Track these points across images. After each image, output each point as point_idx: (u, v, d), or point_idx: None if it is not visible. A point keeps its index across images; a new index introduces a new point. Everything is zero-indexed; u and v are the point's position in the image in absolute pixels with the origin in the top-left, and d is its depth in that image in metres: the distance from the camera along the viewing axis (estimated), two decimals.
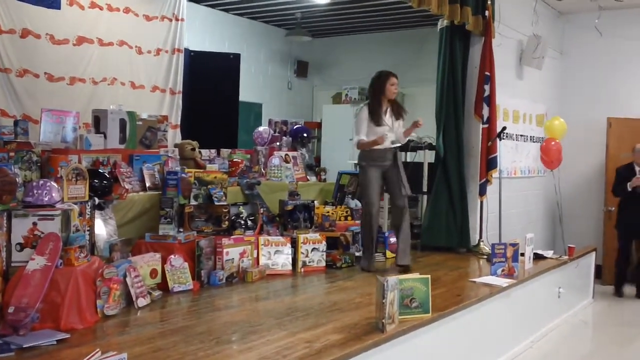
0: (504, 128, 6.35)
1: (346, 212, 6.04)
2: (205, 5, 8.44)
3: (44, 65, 5.95)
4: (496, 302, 4.57)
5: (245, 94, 8.59)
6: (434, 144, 6.56)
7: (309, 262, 5.15)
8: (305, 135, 7.03)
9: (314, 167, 6.99)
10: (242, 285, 4.58)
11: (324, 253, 5.22)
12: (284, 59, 10.05)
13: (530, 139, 7.96)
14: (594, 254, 6.92)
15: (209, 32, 8.57)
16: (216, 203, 4.98)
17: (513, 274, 4.93)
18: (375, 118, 5.14)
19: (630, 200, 6.99)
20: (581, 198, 8.45)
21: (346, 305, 4.01)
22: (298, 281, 4.86)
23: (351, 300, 4.16)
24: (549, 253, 6.14)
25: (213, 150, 6.20)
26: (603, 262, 7.64)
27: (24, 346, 2.97)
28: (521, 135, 7.69)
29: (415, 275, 3.80)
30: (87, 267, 3.57)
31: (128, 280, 3.80)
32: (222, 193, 5.07)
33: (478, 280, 4.88)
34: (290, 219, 5.50)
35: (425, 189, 6.61)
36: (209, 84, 7.86)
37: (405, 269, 4.97)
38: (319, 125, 10.04)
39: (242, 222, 5.11)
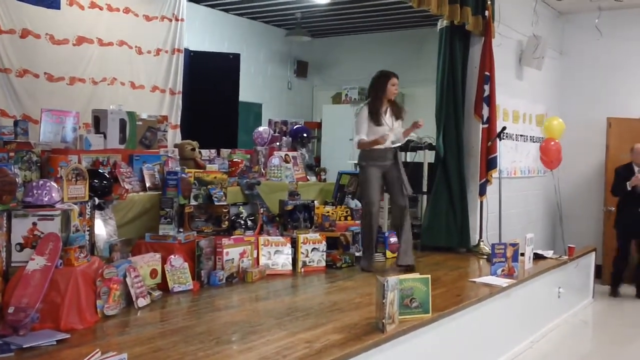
0: (504, 128, 6.35)
1: (346, 212, 6.04)
2: (205, 6, 8.44)
3: (44, 66, 5.96)
4: (496, 302, 4.57)
5: (245, 94, 8.59)
6: (434, 144, 6.56)
7: (309, 262, 5.15)
8: (305, 135, 7.02)
9: (314, 167, 6.99)
10: (242, 286, 4.57)
11: (324, 253, 5.22)
12: (283, 59, 10.05)
13: (530, 139, 7.96)
14: (593, 254, 6.92)
15: (208, 32, 8.58)
16: (216, 203, 4.98)
17: (513, 274, 4.93)
18: (376, 118, 5.14)
19: (630, 200, 6.98)
20: (581, 198, 8.45)
21: (346, 305, 4.01)
22: (298, 281, 4.86)
23: (351, 300, 4.16)
24: (548, 253, 6.14)
25: (213, 151, 6.20)
26: (603, 262, 7.64)
27: (24, 346, 2.97)
28: (521, 135, 7.69)
29: (415, 275, 3.80)
30: (87, 267, 3.57)
31: (128, 280, 3.80)
32: (222, 193, 5.06)
33: (478, 280, 4.87)
34: (290, 219, 5.50)
35: (425, 189, 6.62)
36: (209, 84, 7.86)
37: (409, 269, 4.98)
38: (318, 125, 10.04)
39: (242, 222, 5.11)
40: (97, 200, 4.14)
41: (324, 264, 5.20)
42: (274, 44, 9.79)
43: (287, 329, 3.43)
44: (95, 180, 4.20)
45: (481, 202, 6.42)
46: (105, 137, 5.01)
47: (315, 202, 5.88)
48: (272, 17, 9.29)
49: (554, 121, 7.48)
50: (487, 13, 6.37)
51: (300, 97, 10.46)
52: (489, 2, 6.37)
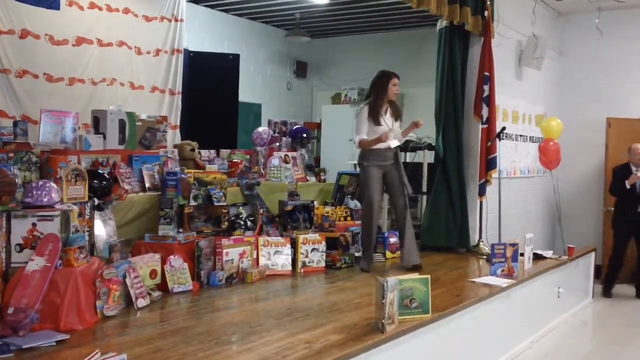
0: (504, 128, 6.35)
1: (346, 212, 6.04)
2: (205, 6, 8.44)
3: (44, 66, 5.95)
4: (496, 302, 4.57)
5: (245, 95, 8.59)
6: (433, 144, 6.56)
7: (309, 262, 5.15)
8: (304, 135, 7.02)
9: (314, 167, 6.99)
10: (241, 286, 4.57)
11: (324, 253, 5.22)
12: (283, 59, 10.05)
13: (530, 139, 7.96)
14: (593, 254, 6.92)
15: (208, 33, 8.58)
16: (216, 203, 4.97)
17: (513, 274, 4.93)
18: (376, 118, 5.14)
19: (629, 200, 6.98)
20: (581, 198, 8.45)
21: (346, 306, 4.01)
22: (298, 282, 4.86)
23: (351, 300, 4.16)
24: (548, 253, 6.14)
25: (212, 151, 6.19)
26: (603, 262, 7.63)
27: (24, 347, 2.97)
28: (520, 136, 7.69)
29: (415, 275, 3.80)
30: (86, 267, 3.57)
31: (128, 280, 3.80)
32: (221, 193, 5.06)
33: (478, 280, 4.87)
34: (290, 219, 5.50)
35: (424, 189, 6.62)
36: (209, 84, 7.86)
37: (416, 268, 4.98)
38: (318, 125, 10.05)
39: (242, 222, 5.11)
40: (96, 201, 4.14)
41: (323, 264, 5.20)
42: (273, 44, 9.79)
43: (287, 330, 3.43)
44: (94, 181, 4.20)
45: (481, 202, 6.42)
46: (104, 137, 5.00)
47: (315, 202, 5.88)
48: (272, 18, 9.30)
49: (552, 121, 7.48)
50: (486, 13, 6.37)
51: (300, 98, 10.46)
52: (488, 2, 6.37)
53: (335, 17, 9.02)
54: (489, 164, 6.35)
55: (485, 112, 6.35)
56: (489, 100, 6.34)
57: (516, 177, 7.57)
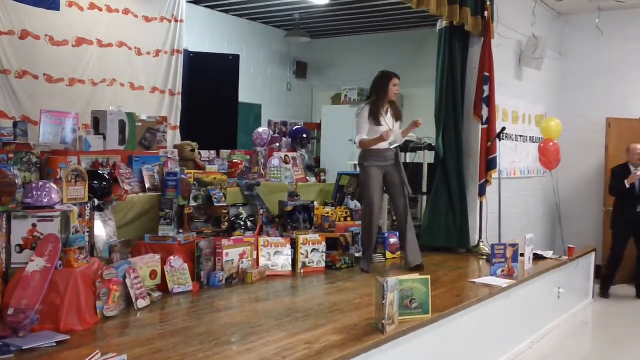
0: (503, 128, 6.35)
1: (345, 212, 6.04)
2: (205, 6, 8.44)
3: (43, 66, 5.95)
4: (496, 303, 4.57)
5: (245, 95, 8.59)
6: (433, 144, 6.56)
7: (309, 262, 5.15)
8: (304, 135, 7.02)
9: (314, 167, 6.99)
10: (241, 286, 4.57)
11: (324, 254, 5.22)
12: (283, 59, 10.05)
13: (530, 139, 7.96)
14: (593, 254, 6.92)
15: (208, 33, 8.58)
16: (215, 204, 4.98)
17: (512, 274, 4.93)
18: (376, 118, 5.14)
19: (628, 200, 6.98)
20: (581, 198, 8.45)
21: (346, 306, 4.01)
22: (297, 282, 4.86)
23: (350, 301, 4.16)
24: (548, 253, 6.14)
25: (212, 151, 6.19)
26: (602, 262, 7.63)
27: (24, 347, 2.97)
28: (520, 136, 7.69)
29: (415, 275, 3.80)
30: (86, 268, 3.57)
31: (127, 281, 3.80)
32: (221, 194, 5.06)
33: (477, 280, 4.87)
34: (290, 219, 5.50)
35: (424, 189, 6.62)
36: (208, 84, 7.86)
37: (418, 268, 4.98)
38: (318, 125, 10.05)
39: (242, 222, 5.11)
40: (96, 201, 4.14)
41: (323, 264, 5.20)
42: (273, 44, 9.79)
43: (287, 330, 3.43)
44: (94, 181, 4.20)
45: (480, 203, 6.42)
46: (104, 138, 5.01)
47: (315, 202, 5.88)
48: (272, 18, 9.30)
49: (551, 122, 7.48)
50: (486, 13, 6.37)
51: (300, 98, 10.46)
52: (488, 3, 6.37)
53: (335, 17, 9.02)
54: (489, 164, 6.35)
55: (485, 112, 6.35)
56: (489, 101, 6.35)
57: (516, 177, 7.57)
